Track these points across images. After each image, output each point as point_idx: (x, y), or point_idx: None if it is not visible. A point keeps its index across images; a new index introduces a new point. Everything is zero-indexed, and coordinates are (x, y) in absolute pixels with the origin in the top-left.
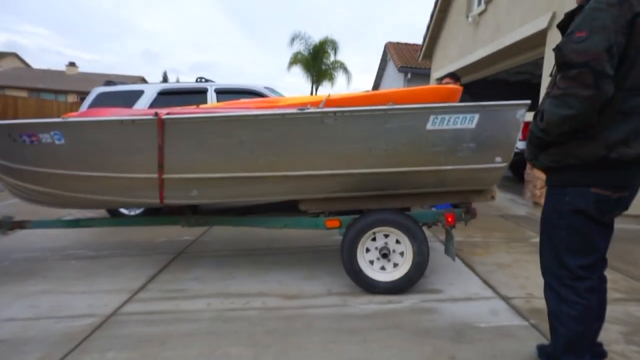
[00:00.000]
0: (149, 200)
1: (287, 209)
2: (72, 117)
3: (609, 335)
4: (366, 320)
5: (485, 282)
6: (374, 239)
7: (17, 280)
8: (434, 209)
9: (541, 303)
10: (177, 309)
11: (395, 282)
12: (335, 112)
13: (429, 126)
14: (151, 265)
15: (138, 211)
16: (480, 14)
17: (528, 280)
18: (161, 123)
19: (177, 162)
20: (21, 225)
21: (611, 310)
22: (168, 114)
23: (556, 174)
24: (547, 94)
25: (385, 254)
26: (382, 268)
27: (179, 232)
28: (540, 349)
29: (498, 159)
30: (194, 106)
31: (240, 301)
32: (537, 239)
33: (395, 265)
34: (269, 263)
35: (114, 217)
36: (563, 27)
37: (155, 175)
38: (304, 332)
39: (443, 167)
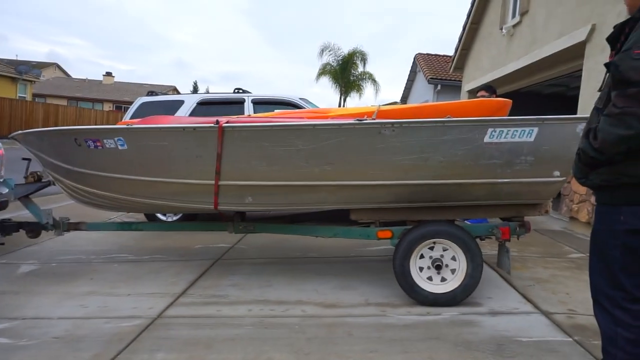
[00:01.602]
0: (203, 205)
1: (333, 217)
2: (135, 125)
3: None
4: (406, 330)
5: (524, 296)
6: (431, 248)
7: (65, 281)
8: (467, 222)
9: (584, 319)
10: (219, 314)
11: (441, 294)
12: (393, 124)
13: (486, 139)
14: (190, 270)
15: (176, 217)
16: (515, 25)
17: (568, 296)
18: (221, 131)
19: (233, 170)
20: (77, 227)
21: None
22: (227, 122)
23: (608, 193)
24: (596, 109)
25: (438, 266)
26: (430, 278)
27: (214, 239)
28: None
29: (556, 172)
30: (247, 116)
31: (280, 308)
32: (574, 255)
33: (444, 280)
34: (305, 271)
35: (151, 221)
36: (612, 40)
37: (212, 182)
38: (345, 341)
39: (499, 180)
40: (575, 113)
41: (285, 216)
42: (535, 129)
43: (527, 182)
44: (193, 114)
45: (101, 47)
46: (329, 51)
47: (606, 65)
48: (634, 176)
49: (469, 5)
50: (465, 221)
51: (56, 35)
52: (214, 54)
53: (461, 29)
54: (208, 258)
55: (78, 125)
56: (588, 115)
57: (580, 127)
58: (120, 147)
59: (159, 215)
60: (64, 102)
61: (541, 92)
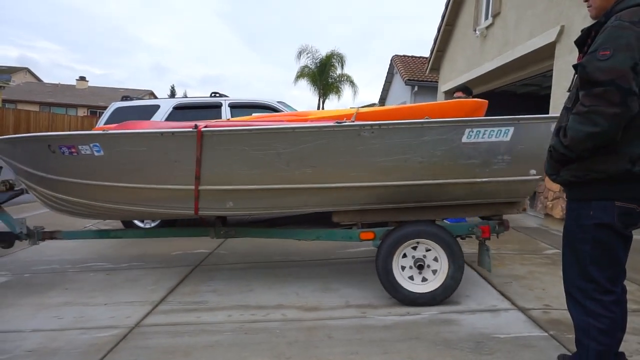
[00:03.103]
0: (183, 211)
1: (313, 220)
2: (112, 130)
3: (629, 346)
4: (386, 331)
5: (502, 293)
6: (414, 248)
7: (38, 292)
8: (446, 222)
9: (559, 314)
10: (199, 320)
11: (422, 294)
12: (372, 125)
13: (464, 139)
14: (169, 277)
15: (154, 224)
16: (488, 27)
17: (544, 292)
18: (200, 135)
19: (213, 174)
20: (52, 235)
21: (629, 321)
22: (206, 126)
23: (578, 189)
24: (566, 109)
25: (420, 266)
26: (411, 278)
27: (193, 245)
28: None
29: (532, 171)
30: (225, 120)
31: (260, 313)
32: (550, 251)
33: (425, 280)
34: (285, 275)
35: (129, 228)
36: (580, 43)
37: (192, 187)
38: (325, 344)
39: (478, 179)
40: (547, 112)
41: (264, 220)
42: (511, 129)
43: (505, 181)
44: (169, 118)
45: (74, 51)
46: (307, 54)
47: (574, 66)
48: (602, 172)
49: (443, 7)
50: (444, 220)
51: (26, 39)
52: (192, 58)
53: (436, 30)
54: (187, 264)
55: (52, 131)
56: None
57: (554, 126)
58: (96, 153)
59: (137, 222)
60: (35, 108)
61: (515, 91)
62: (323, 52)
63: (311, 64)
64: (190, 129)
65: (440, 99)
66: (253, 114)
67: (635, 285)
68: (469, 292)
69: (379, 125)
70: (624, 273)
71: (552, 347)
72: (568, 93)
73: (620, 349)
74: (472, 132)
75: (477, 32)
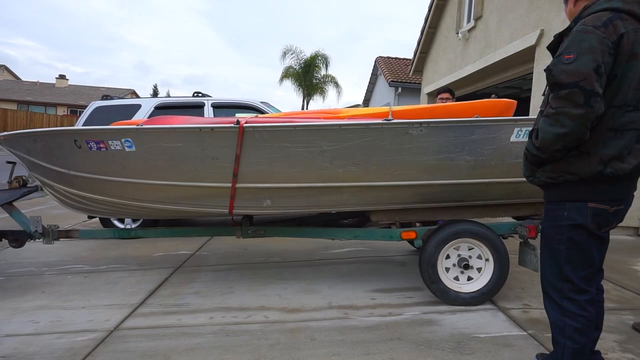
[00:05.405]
0: (216, 210)
1: (341, 219)
2: (147, 125)
3: (605, 344)
4: (368, 332)
5: None
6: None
7: (14, 296)
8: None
9: (538, 313)
10: (179, 323)
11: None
12: (421, 123)
13: (513, 138)
14: (150, 279)
15: (135, 224)
16: (470, 30)
17: (523, 291)
18: (242, 131)
19: (252, 171)
20: (68, 234)
21: (606, 320)
22: (247, 122)
23: (553, 190)
24: (540, 112)
25: (466, 265)
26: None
27: (175, 246)
28: (541, 358)
29: None
30: (258, 116)
31: (242, 315)
32: None
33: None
34: (268, 277)
35: (107, 227)
36: (553, 48)
37: (229, 185)
38: (308, 345)
39: (523, 179)
40: (527, 114)
41: (291, 219)
42: None
43: None
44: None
45: (55, 49)
46: (292, 54)
47: (545, 70)
48: (575, 173)
49: (426, 10)
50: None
51: (4, 36)
52: (175, 57)
53: (419, 33)
54: (168, 266)
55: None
56: None
57: None
58: (127, 149)
59: (115, 222)
60: (13, 107)
61: (497, 93)
62: (308, 53)
63: (296, 65)
64: (232, 125)
65: (424, 101)
66: (236, 114)
67: (611, 284)
68: None
69: (428, 123)
70: (599, 273)
71: (531, 346)
72: (543, 96)
73: (597, 347)
74: (521, 131)
75: (459, 34)
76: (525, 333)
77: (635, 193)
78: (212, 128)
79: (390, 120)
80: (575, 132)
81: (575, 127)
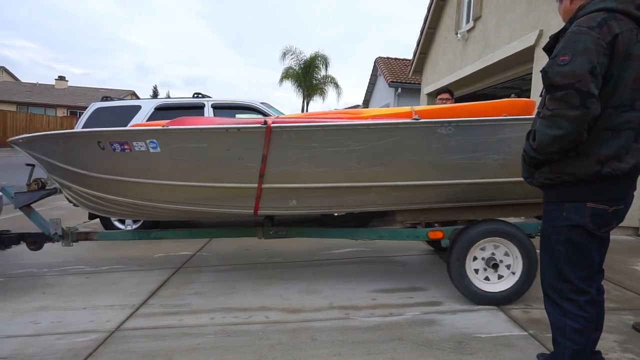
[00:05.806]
0: (241, 210)
1: (363, 218)
2: (173, 126)
3: (605, 344)
4: (369, 332)
5: None
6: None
7: (14, 297)
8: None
9: (538, 313)
10: (181, 323)
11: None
12: (450, 122)
13: None
14: (151, 280)
15: (135, 226)
16: (469, 30)
17: None
18: (269, 132)
19: (279, 172)
20: (87, 236)
21: (606, 320)
22: (274, 122)
23: (552, 191)
24: (537, 113)
25: (495, 265)
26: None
27: (176, 247)
28: (542, 358)
29: None
30: (282, 116)
31: (243, 315)
32: None
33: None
34: (269, 277)
35: (108, 228)
36: (549, 49)
37: (255, 185)
38: (309, 345)
39: None
40: None
41: (312, 219)
42: None
43: None
44: (151, 119)
45: (53, 50)
46: (291, 55)
47: (541, 72)
48: (572, 174)
49: (425, 11)
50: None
51: (2, 38)
52: (175, 58)
53: (419, 33)
54: (169, 267)
55: (30, 131)
56: None
57: None
58: (152, 150)
59: (116, 223)
60: (12, 108)
61: (496, 94)
62: (307, 54)
63: (295, 65)
64: (260, 125)
65: (423, 101)
66: (237, 115)
67: (612, 284)
68: (451, 292)
69: (457, 122)
70: (600, 273)
71: (532, 346)
72: (540, 98)
73: (598, 347)
74: None
75: (458, 35)
76: (526, 333)
77: (635, 193)
78: (238, 128)
79: (419, 119)
80: (572, 133)
81: (571, 128)
